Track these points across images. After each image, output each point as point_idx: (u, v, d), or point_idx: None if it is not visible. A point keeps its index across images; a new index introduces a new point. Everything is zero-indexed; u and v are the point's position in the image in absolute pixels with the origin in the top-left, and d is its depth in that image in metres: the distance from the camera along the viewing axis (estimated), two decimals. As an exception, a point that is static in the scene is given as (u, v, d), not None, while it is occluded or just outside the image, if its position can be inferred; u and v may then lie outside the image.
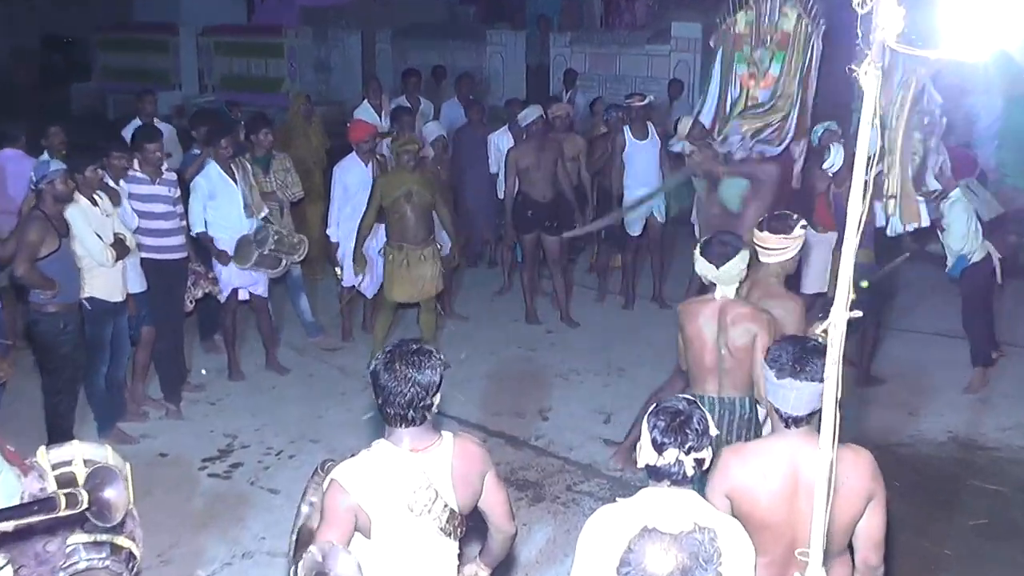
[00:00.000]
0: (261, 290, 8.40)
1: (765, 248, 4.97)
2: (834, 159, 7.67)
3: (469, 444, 3.50)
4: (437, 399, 3.33)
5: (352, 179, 8.76)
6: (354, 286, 8.92)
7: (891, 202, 7.38)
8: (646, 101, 10.04)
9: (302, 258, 8.51)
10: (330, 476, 3.33)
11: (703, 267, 4.85)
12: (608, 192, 10.28)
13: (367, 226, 8.25)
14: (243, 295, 8.39)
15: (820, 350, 3.42)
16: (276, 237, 8.08)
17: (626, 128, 10.03)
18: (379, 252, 8.43)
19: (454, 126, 11.67)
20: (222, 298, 8.27)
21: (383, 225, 8.32)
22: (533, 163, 9.46)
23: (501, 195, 10.17)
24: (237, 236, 8.08)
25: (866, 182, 2.49)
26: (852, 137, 8.02)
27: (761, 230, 4.96)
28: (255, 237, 8.04)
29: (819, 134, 8.28)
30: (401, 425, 3.32)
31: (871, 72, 2.40)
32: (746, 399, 4.92)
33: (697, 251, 4.90)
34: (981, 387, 8.18)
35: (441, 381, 3.33)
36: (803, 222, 4.99)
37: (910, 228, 7.48)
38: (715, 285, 4.89)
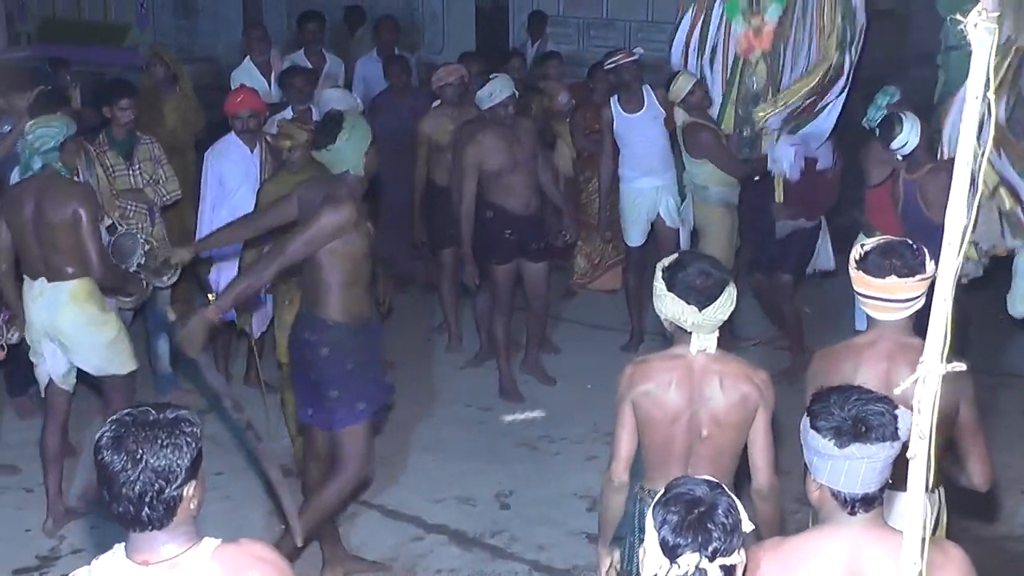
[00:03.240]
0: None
1: (892, 302, 4.66)
2: (907, 135, 7.62)
3: (244, 555, 3.38)
4: (189, 491, 3.25)
5: (230, 169, 8.74)
6: (234, 321, 8.86)
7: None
8: (634, 58, 10.06)
9: (171, 282, 8.44)
10: None
11: (676, 309, 4.71)
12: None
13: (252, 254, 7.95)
14: None
15: (879, 398, 3.46)
16: (147, 247, 7.99)
17: (614, 99, 10.08)
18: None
19: (374, 92, 11.65)
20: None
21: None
22: (507, 162, 9.06)
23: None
24: None
25: (973, 176, 2.46)
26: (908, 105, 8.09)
27: (881, 275, 4.62)
28: (114, 248, 7.96)
29: (882, 106, 8.31)
30: (135, 528, 3.25)
31: (983, 25, 2.35)
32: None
33: (660, 283, 4.75)
34: None
35: (195, 464, 3.25)
36: (925, 250, 4.69)
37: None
38: (686, 333, 4.78)
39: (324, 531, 6.83)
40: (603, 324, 10.88)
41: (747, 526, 3.19)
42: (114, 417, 3.25)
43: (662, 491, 3.25)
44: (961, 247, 2.47)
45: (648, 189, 10.06)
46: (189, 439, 3.23)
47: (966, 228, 2.48)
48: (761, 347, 10.00)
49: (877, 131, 7.89)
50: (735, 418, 4.79)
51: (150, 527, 3.23)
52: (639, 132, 9.93)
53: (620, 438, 4.95)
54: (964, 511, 7.22)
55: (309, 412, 6.61)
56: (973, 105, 2.43)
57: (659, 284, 4.76)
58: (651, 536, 3.17)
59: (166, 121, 10.46)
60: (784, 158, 9.09)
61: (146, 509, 3.19)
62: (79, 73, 12.18)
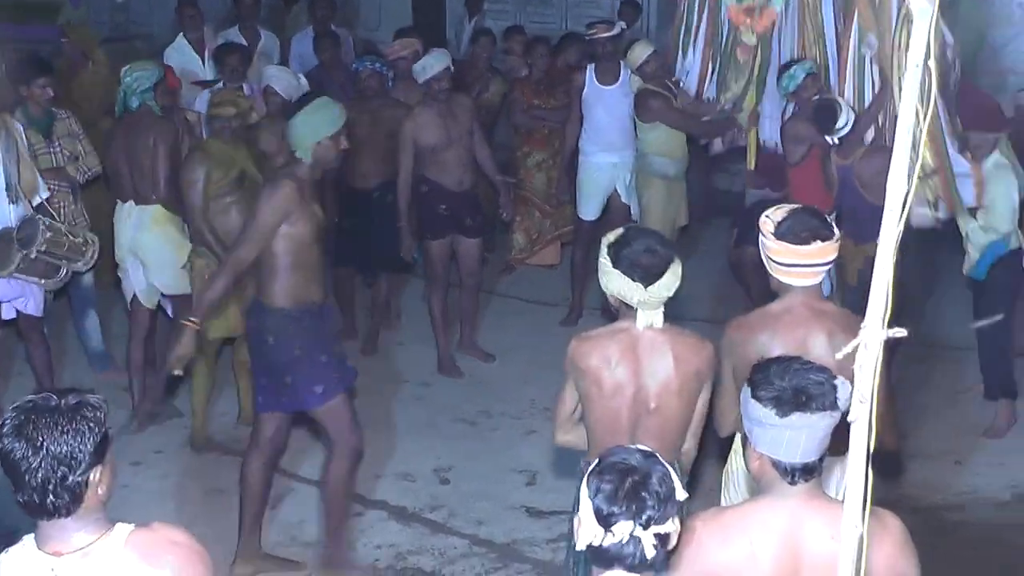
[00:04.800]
0: (32, 307, 8.22)
1: (814, 267, 4.76)
2: (846, 119, 7.71)
3: (158, 540, 3.31)
4: (95, 476, 3.18)
5: None
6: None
7: (928, 183, 7.53)
8: (612, 32, 10.13)
9: (89, 266, 8.36)
10: None
11: (621, 285, 4.71)
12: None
13: (205, 227, 7.82)
14: (6, 312, 8.23)
15: (817, 367, 3.47)
16: (49, 235, 7.87)
17: (590, 67, 10.19)
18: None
19: (309, 69, 11.61)
20: (-28, 318, 8.09)
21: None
22: (441, 138, 9.01)
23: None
24: None
25: (914, 142, 2.48)
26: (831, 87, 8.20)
27: (806, 242, 4.68)
28: (17, 234, 7.88)
29: (798, 80, 8.37)
30: (42, 517, 3.20)
31: None
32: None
33: (606, 259, 4.74)
34: (1008, 428, 8.34)
35: (100, 450, 3.18)
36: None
37: (943, 216, 7.68)
38: (632, 309, 4.78)
39: (245, 520, 6.68)
40: (541, 299, 10.88)
41: (681, 495, 3.20)
42: (16, 404, 3.18)
43: (596, 461, 3.26)
44: (902, 214, 2.50)
45: (606, 165, 10.17)
46: (92, 423, 3.16)
47: (907, 195, 2.50)
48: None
49: (814, 117, 7.96)
50: (688, 391, 4.81)
51: (56, 515, 3.17)
52: (608, 105, 10.04)
53: (558, 407, 5.05)
54: (898, 481, 7.35)
55: (260, 400, 6.50)
56: (913, 73, 2.45)
57: (604, 260, 4.75)
58: (585, 505, 3.16)
59: (72, 95, 10.35)
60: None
61: (50, 497, 3.13)
62: (16, 52, 12.06)
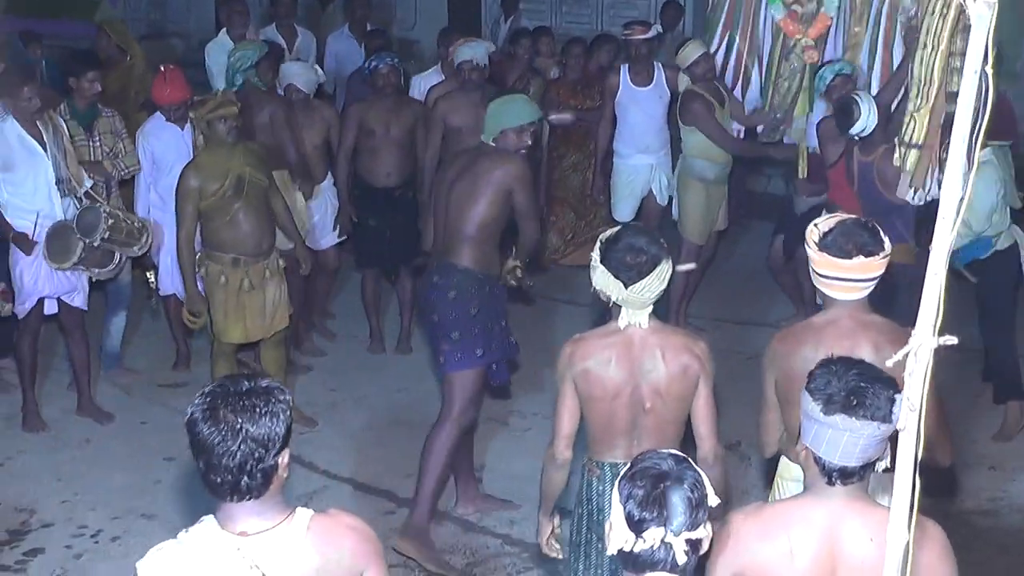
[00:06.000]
0: (79, 300, 8.32)
1: (858, 281, 4.63)
2: (866, 119, 7.59)
3: (337, 525, 3.41)
4: (284, 458, 3.26)
5: (162, 148, 8.79)
6: (175, 294, 8.85)
7: (911, 153, 7.44)
8: (651, 33, 10.23)
9: (145, 250, 8.39)
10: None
11: (604, 282, 4.76)
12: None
13: (188, 243, 7.74)
14: (50, 306, 8.29)
15: (883, 378, 3.42)
16: (111, 221, 7.94)
17: (624, 68, 10.23)
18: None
19: (345, 69, 11.62)
20: (19, 312, 8.14)
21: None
22: (469, 123, 8.96)
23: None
24: (46, 222, 7.98)
25: (969, 159, 2.46)
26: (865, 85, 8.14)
27: (848, 256, 4.54)
28: (78, 223, 7.91)
29: (827, 80, 8.38)
30: (233, 498, 3.25)
31: (983, 1, 2.34)
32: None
33: (596, 254, 4.78)
34: (1019, 429, 8.30)
35: (289, 432, 3.27)
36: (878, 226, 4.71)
37: (915, 199, 7.56)
38: (618, 307, 4.82)
39: (459, 466, 7.28)
40: (575, 299, 10.86)
41: (712, 500, 3.21)
42: (205, 390, 3.26)
43: (628, 465, 3.25)
44: (956, 221, 2.47)
45: (643, 167, 10.26)
46: (284, 406, 3.24)
47: (961, 201, 2.48)
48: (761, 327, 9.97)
49: (834, 117, 7.91)
50: (677, 389, 4.82)
51: (248, 496, 3.24)
52: (643, 106, 10.14)
53: (561, 416, 4.97)
54: (932, 488, 7.30)
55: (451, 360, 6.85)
56: (971, 79, 2.43)
57: (594, 255, 4.79)
58: (617, 510, 3.17)
59: (108, 90, 10.41)
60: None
61: (245, 478, 3.20)
62: (50, 48, 12.13)
